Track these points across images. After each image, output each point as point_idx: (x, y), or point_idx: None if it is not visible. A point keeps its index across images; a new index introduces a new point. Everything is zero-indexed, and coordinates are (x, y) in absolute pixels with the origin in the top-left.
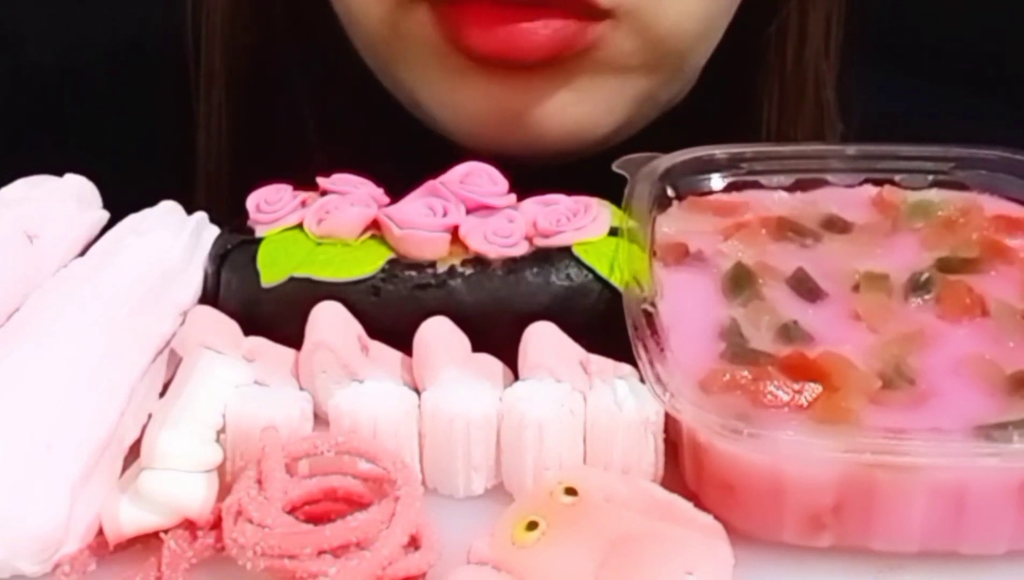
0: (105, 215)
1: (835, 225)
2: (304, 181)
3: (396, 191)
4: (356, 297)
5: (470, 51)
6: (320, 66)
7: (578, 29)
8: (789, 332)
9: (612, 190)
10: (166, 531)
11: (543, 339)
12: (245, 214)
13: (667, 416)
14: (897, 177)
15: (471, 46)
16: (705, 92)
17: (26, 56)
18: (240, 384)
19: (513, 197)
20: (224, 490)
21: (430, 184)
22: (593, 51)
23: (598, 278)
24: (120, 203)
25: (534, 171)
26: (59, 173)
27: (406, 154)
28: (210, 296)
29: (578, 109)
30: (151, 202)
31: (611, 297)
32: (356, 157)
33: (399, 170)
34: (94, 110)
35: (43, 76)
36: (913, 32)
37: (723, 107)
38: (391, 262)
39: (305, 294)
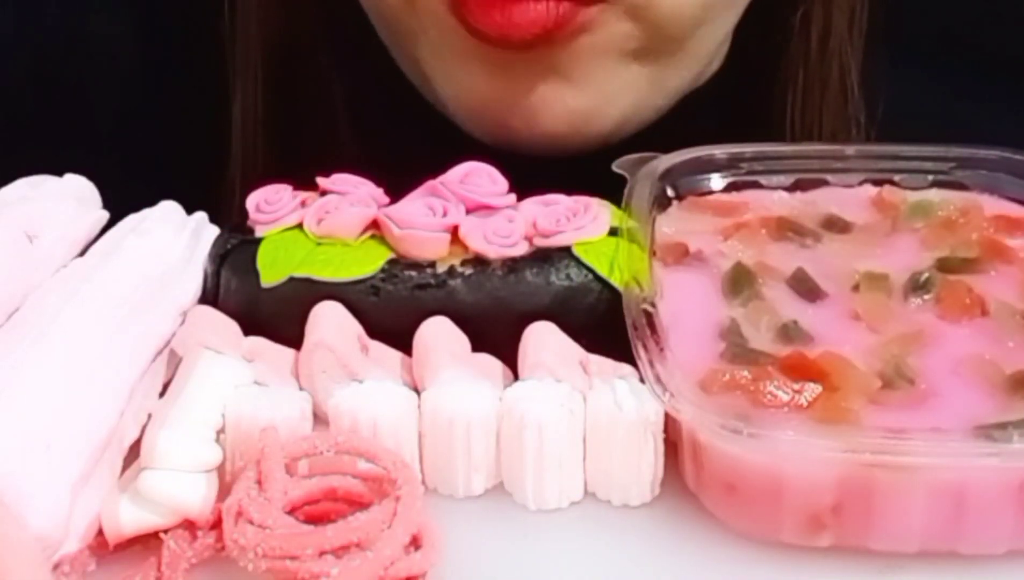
0: (105, 215)
1: (835, 225)
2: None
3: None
4: (356, 297)
5: (471, 29)
6: (350, 58)
7: (570, 9)
8: (789, 332)
9: (612, 190)
10: (166, 531)
11: (543, 339)
12: (245, 214)
13: (667, 416)
14: (897, 177)
15: (472, 24)
16: (730, 80)
17: (27, 54)
18: (240, 384)
19: (513, 197)
20: (224, 490)
21: (430, 184)
22: (589, 34)
23: (598, 278)
24: (120, 203)
25: (538, 167)
26: (59, 173)
27: (433, 148)
28: (210, 296)
29: (578, 96)
30: (151, 202)
31: (611, 297)
32: (386, 149)
33: (427, 163)
34: (95, 109)
35: (44, 75)
36: (937, 22)
37: (748, 95)
38: (391, 262)
39: (305, 294)
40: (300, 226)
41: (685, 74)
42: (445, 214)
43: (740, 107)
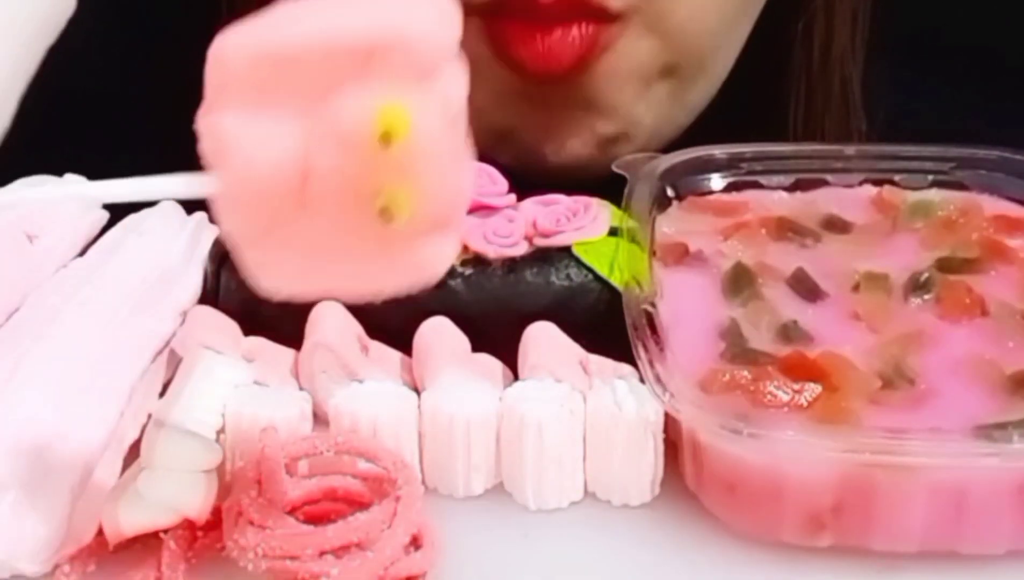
0: (105, 215)
1: (835, 225)
2: None
3: None
4: None
5: (516, 65)
6: None
7: (596, 30)
8: (789, 332)
9: (612, 190)
10: (166, 531)
11: (543, 339)
12: None
13: (667, 416)
14: (897, 177)
15: (517, 59)
16: (732, 90)
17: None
18: (240, 384)
19: (513, 197)
20: (224, 490)
21: None
22: (611, 53)
23: (598, 278)
24: (120, 203)
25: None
26: (59, 173)
27: None
28: (210, 296)
29: (606, 123)
30: (151, 202)
31: (611, 297)
32: None
33: None
34: (95, 109)
35: (43, 75)
36: (938, 29)
37: (750, 105)
38: None
39: None
40: None
41: (707, 88)
42: None
43: (743, 117)
